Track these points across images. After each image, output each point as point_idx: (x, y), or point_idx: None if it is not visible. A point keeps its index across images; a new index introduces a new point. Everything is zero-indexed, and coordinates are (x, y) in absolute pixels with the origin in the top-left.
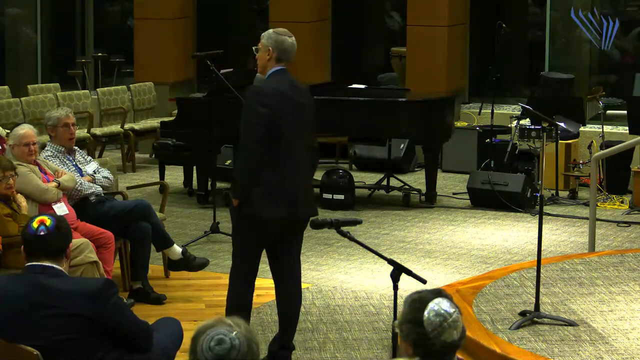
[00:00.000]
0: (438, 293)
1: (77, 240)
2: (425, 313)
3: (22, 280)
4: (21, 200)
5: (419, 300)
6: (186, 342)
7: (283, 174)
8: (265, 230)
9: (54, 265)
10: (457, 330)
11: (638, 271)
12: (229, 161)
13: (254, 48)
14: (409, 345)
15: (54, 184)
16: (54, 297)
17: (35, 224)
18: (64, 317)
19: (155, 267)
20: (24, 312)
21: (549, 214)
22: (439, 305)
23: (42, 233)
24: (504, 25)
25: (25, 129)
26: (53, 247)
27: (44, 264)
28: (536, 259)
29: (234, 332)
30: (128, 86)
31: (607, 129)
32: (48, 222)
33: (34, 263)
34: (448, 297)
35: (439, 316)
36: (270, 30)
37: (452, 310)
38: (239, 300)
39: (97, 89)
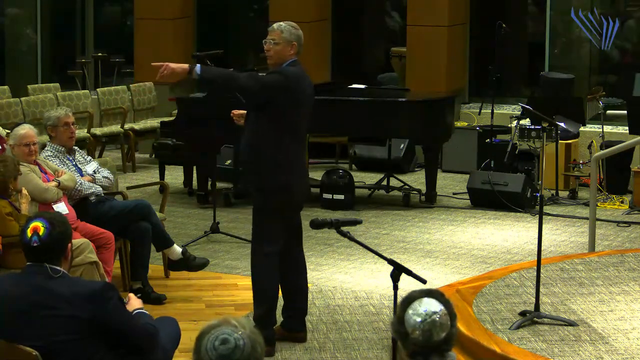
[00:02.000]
0: (427, 293)
1: (77, 241)
2: (406, 312)
3: (22, 280)
4: (23, 200)
5: (406, 299)
6: (184, 341)
7: (290, 158)
8: (288, 201)
9: (54, 266)
10: (436, 332)
11: (638, 271)
12: (229, 161)
13: (270, 39)
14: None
15: (54, 183)
16: (54, 297)
17: (29, 233)
18: (64, 317)
19: (155, 267)
20: (24, 312)
21: (549, 214)
22: (422, 305)
23: (35, 244)
24: (504, 25)
25: (26, 129)
26: (50, 254)
27: (43, 264)
28: (536, 259)
29: (239, 332)
30: (128, 86)
31: (607, 129)
32: (41, 230)
33: (34, 263)
34: (437, 298)
35: (417, 316)
36: (286, 25)
37: (434, 311)
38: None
39: (97, 89)
